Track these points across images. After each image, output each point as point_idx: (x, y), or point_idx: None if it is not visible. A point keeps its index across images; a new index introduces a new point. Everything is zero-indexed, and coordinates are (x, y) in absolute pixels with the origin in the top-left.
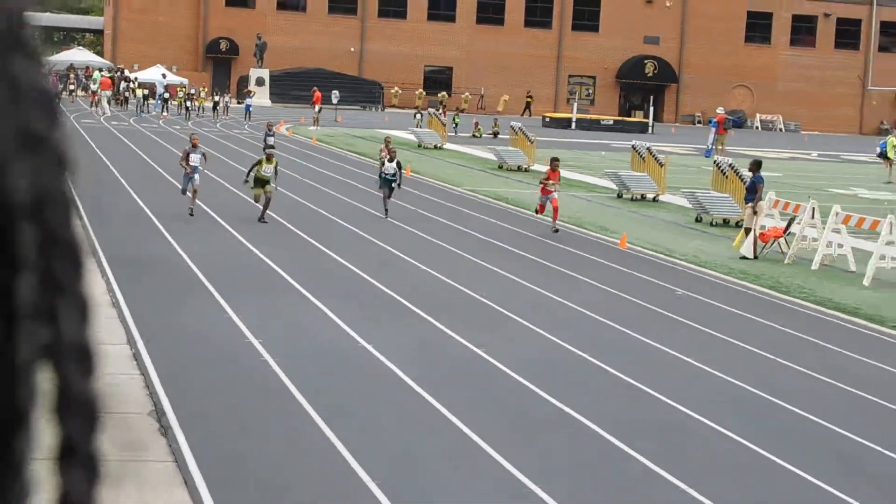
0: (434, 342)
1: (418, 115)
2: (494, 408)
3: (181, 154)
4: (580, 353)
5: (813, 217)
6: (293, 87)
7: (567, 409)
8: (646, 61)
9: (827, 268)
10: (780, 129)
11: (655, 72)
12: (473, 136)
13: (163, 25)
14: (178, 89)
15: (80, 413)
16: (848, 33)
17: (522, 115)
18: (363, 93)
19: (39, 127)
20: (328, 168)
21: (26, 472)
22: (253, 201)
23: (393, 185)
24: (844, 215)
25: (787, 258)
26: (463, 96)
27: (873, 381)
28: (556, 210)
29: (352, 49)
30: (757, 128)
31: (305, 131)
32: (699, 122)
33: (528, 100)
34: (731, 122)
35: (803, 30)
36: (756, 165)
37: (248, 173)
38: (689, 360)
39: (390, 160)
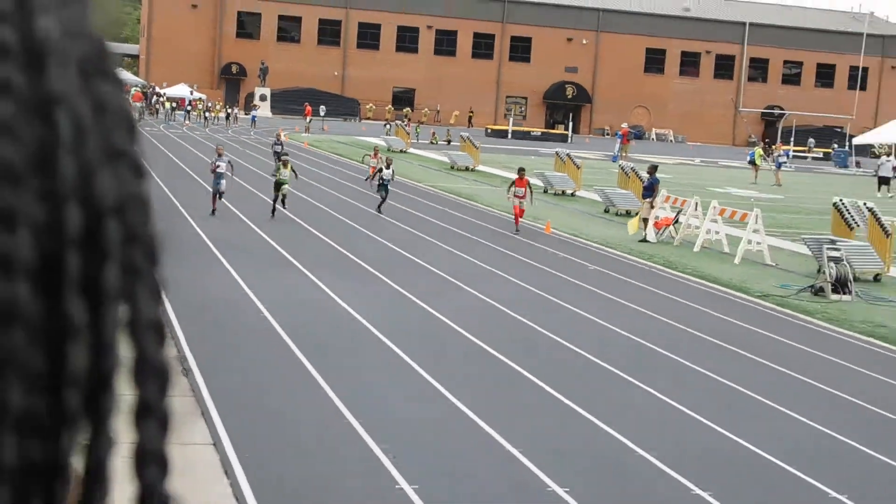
0: (393, 299)
1: (388, 126)
2: (438, 348)
3: (211, 163)
4: (508, 310)
5: (696, 210)
6: (289, 102)
7: (491, 350)
8: (566, 86)
9: (706, 249)
10: (671, 141)
11: (574, 94)
12: (431, 143)
13: (186, 52)
14: (198, 103)
15: (154, 377)
16: (724, 66)
17: (468, 126)
18: (344, 108)
19: (121, 142)
20: (317, 167)
21: (111, 428)
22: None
23: (388, 187)
24: (720, 208)
25: (676, 241)
26: (423, 111)
27: (736, 336)
28: (517, 216)
29: (335, 73)
30: (653, 139)
31: (299, 137)
32: (608, 134)
33: (470, 114)
34: (632, 134)
35: (689, 63)
36: (653, 169)
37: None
38: (590, 316)
39: (387, 167)
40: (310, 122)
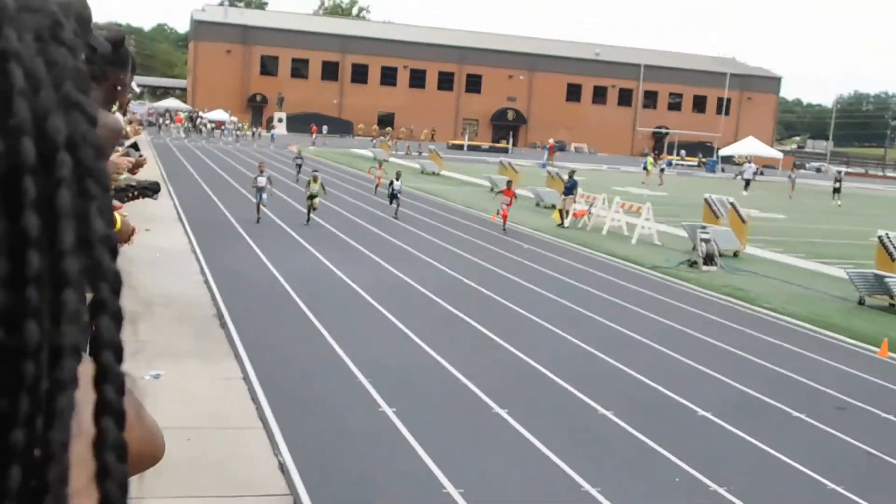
0: (376, 270)
1: (374, 141)
2: (408, 305)
3: (253, 178)
4: (461, 277)
5: (603, 204)
6: (300, 123)
7: (454, 310)
8: (508, 111)
9: (611, 233)
10: (586, 152)
11: (514, 117)
12: (406, 153)
13: (222, 86)
14: (231, 124)
15: (107, 280)
16: (625, 96)
17: (432, 140)
18: (341, 128)
19: (73, 94)
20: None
21: (80, 323)
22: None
23: (398, 196)
24: (622, 202)
25: (588, 227)
26: (401, 130)
27: (632, 296)
28: (504, 218)
29: (335, 101)
30: (572, 151)
31: (307, 150)
32: (538, 147)
33: (433, 132)
34: (557, 147)
35: (599, 94)
36: (571, 174)
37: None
38: (521, 281)
39: (396, 179)
40: (315, 138)
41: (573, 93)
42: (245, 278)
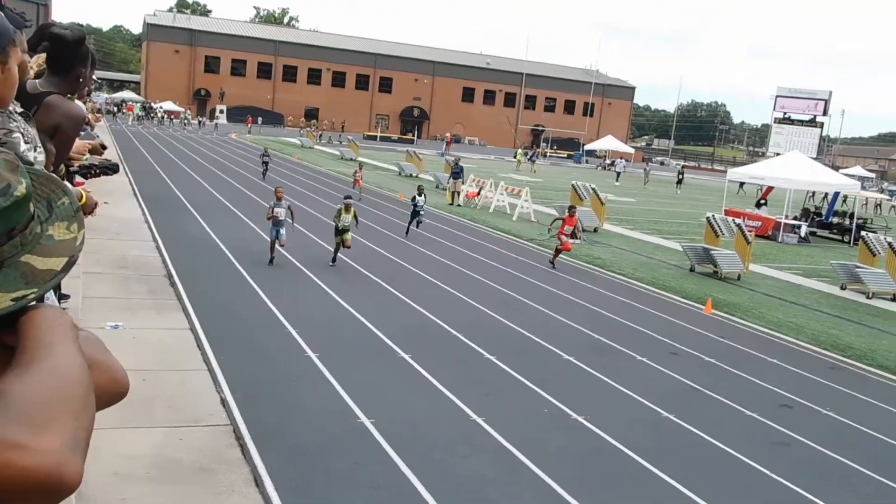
0: (305, 240)
1: (301, 131)
2: (328, 268)
3: (268, 208)
4: (376, 247)
5: (491, 187)
6: (238, 115)
7: (369, 274)
8: (414, 108)
9: (497, 211)
10: (478, 144)
11: (418, 114)
12: (328, 142)
13: (171, 81)
14: (179, 114)
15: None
16: (509, 99)
17: (341, 132)
18: (274, 119)
19: None
20: (254, 154)
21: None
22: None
23: (421, 214)
24: (505, 186)
25: (478, 206)
26: (324, 122)
27: (511, 262)
28: (566, 249)
29: (268, 97)
30: (467, 142)
31: (244, 137)
32: (439, 139)
33: (343, 123)
34: (454, 140)
35: (489, 97)
36: (457, 161)
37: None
38: (422, 249)
39: (420, 195)
40: (251, 128)
41: (467, 95)
42: (191, 244)
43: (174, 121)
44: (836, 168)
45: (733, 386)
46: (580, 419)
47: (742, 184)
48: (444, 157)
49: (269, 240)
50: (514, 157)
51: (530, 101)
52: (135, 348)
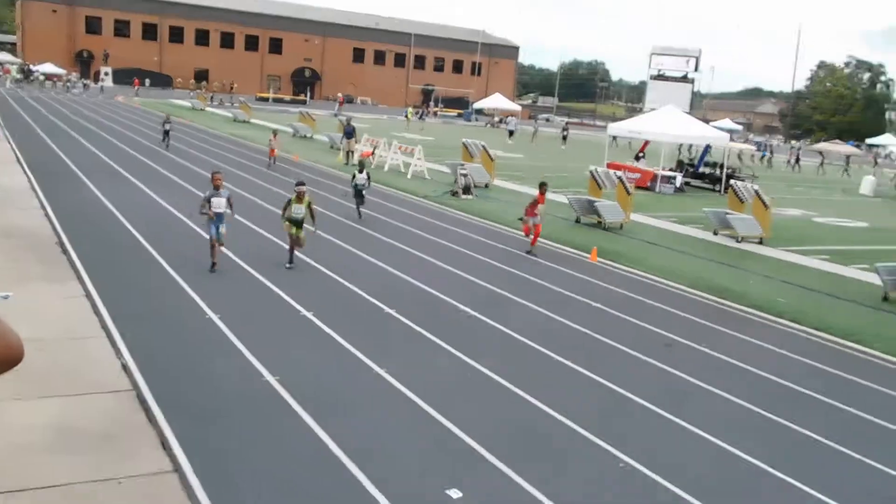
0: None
1: (192, 94)
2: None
3: (202, 199)
4: (273, 207)
5: (385, 146)
6: (125, 77)
7: (266, 234)
8: (305, 69)
9: (391, 169)
10: (370, 104)
11: (310, 75)
12: (220, 104)
13: (50, 42)
14: (62, 77)
15: None
16: (399, 60)
17: (230, 93)
18: (161, 81)
19: None
20: (143, 117)
21: None
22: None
23: (364, 192)
24: (399, 145)
25: (373, 165)
26: (214, 84)
27: (408, 217)
28: (536, 234)
29: (155, 58)
30: (360, 103)
31: (132, 101)
32: (331, 99)
33: (233, 84)
34: (346, 100)
35: (379, 57)
36: (349, 121)
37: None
38: (318, 208)
39: (360, 171)
40: (138, 90)
41: (358, 56)
42: (82, 211)
43: (57, 84)
44: (707, 121)
45: (619, 329)
46: (477, 365)
47: (615, 137)
48: (337, 117)
49: (207, 237)
50: (405, 116)
51: (420, 62)
52: (28, 318)
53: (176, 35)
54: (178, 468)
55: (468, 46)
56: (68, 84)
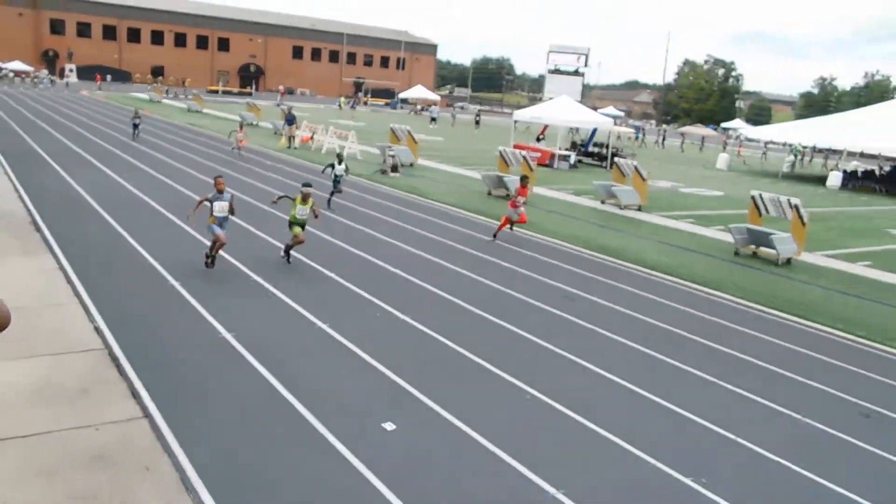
0: (154, 182)
1: (149, 87)
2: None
3: (198, 200)
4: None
5: (322, 131)
6: (88, 73)
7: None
8: (250, 65)
9: (329, 152)
10: (308, 94)
11: (255, 70)
12: (175, 96)
13: (17, 42)
14: (31, 74)
15: None
16: (334, 56)
17: (183, 87)
18: (122, 77)
19: None
20: (107, 109)
21: None
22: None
23: (340, 183)
24: (334, 130)
25: (312, 149)
26: (170, 78)
27: (345, 196)
28: (522, 220)
29: (115, 56)
30: (299, 94)
31: (95, 94)
32: (274, 91)
33: (185, 80)
34: (287, 91)
35: (316, 54)
36: (290, 110)
37: (281, 198)
38: (264, 185)
39: (339, 162)
40: (100, 85)
41: (297, 53)
42: (53, 194)
43: (25, 80)
44: (595, 109)
45: (527, 286)
46: (408, 319)
47: (516, 122)
48: (280, 107)
49: (210, 242)
50: (338, 105)
51: (351, 58)
52: (6, 288)
53: (134, 35)
54: (147, 414)
55: (393, 45)
56: (36, 80)
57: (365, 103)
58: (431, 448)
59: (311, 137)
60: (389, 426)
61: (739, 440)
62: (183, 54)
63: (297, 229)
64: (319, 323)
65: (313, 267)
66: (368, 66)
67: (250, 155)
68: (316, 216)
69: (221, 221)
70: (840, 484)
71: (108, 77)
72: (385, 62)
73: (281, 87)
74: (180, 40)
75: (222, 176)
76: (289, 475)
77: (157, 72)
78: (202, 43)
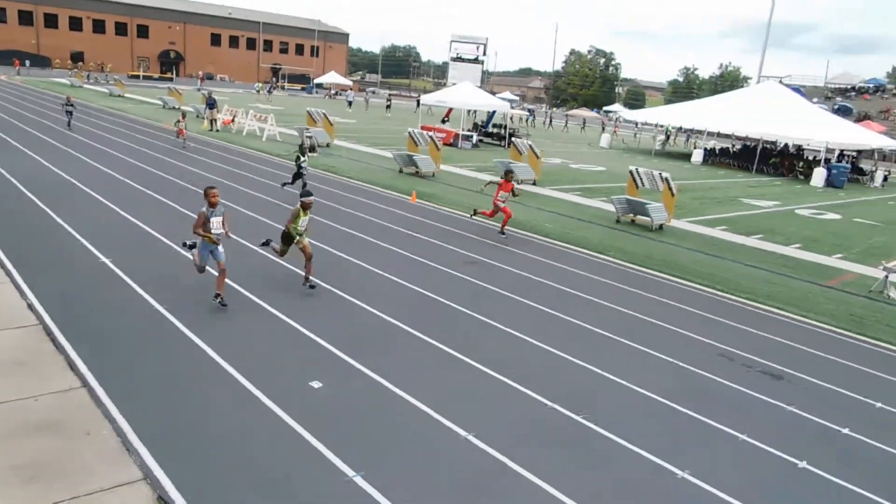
0: (90, 169)
1: (70, 73)
2: (115, 191)
3: (197, 218)
4: (145, 166)
5: (243, 114)
6: (5, 58)
7: (144, 189)
8: (170, 51)
9: (249, 134)
10: (228, 80)
11: (175, 56)
12: (95, 81)
13: None
14: None
15: None
16: (251, 42)
17: (101, 72)
18: (41, 62)
19: None
20: (27, 94)
21: None
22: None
23: (303, 173)
24: (254, 113)
25: (234, 131)
26: (90, 64)
27: (266, 174)
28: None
29: (33, 41)
30: (219, 79)
31: (14, 79)
32: (194, 77)
33: (102, 64)
34: (207, 77)
35: (234, 41)
36: (209, 94)
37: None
38: (186, 165)
39: (303, 154)
40: (19, 70)
41: (215, 40)
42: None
43: None
44: (493, 93)
45: (434, 252)
46: (324, 284)
47: (419, 104)
48: (200, 92)
49: (197, 264)
50: (256, 90)
51: (268, 45)
52: None
53: (51, 21)
54: (85, 384)
55: (307, 33)
56: None
57: (282, 88)
58: (353, 400)
59: (233, 120)
60: (316, 384)
61: (619, 380)
62: (102, 40)
63: (303, 240)
64: (254, 297)
65: (237, 240)
66: (284, 52)
67: (195, 144)
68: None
69: (217, 245)
70: (705, 414)
71: (27, 62)
72: (300, 49)
73: (200, 73)
74: (99, 27)
75: (216, 187)
76: (221, 430)
77: (77, 57)
78: (121, 30)
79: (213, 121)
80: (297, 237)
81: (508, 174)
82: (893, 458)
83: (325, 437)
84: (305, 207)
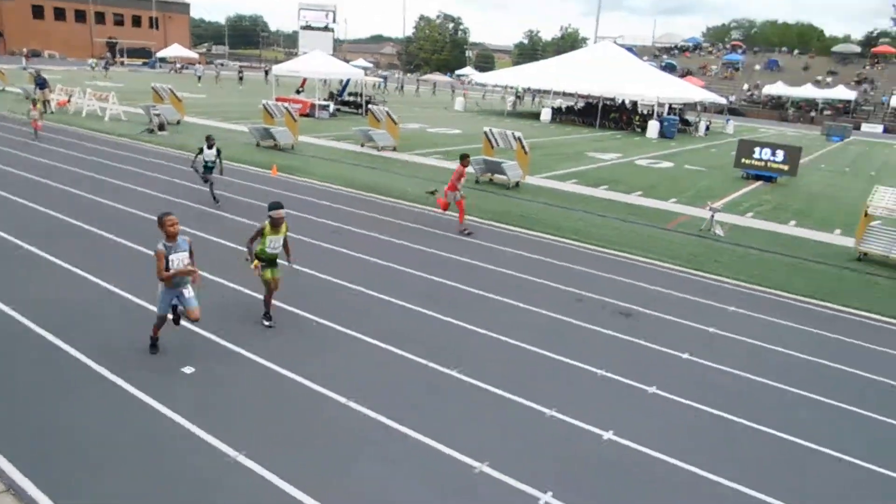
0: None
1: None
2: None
3: (156, 255)
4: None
5: (80, 94)
6: None
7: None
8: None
9: (89, 114)
10: (58, 57)
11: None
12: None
13: None
14: None
15: None
16: (80, 14)
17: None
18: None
19: None
20: None
21: None
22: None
23: (214, 170)
24: (93, 92)
25: (72, 112)
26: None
27: (113, 157)
28: (462, 211)
29: None
30: (47, 56)
31: None
32: (17, 54)
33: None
34: (32, 54)
35: (60, 13)
36: (38, 73)
37: (251, 245)
38: (29, 155)
39: (209, 147)
40: None
41: (38, 13)
42: None
43: None
44: (347, 61)
45: (300, 225)
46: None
47: (266, 74)
48: (27, 70)
49: (158, 314)
50: (91, 67)
51: (100, 17)
52: None
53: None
54: None
55: (144, 4)
56: None
57: (121, 63)
58: (227, 382)
59: (69, 101)
60: (188, 369)
61: (487, 333)
62: (47, 28)
63: (269, 273)
64: (103, 283)
65: (99, 234)
66: (120, 25)
67: (46, 133)
68: (288, 253)
69: (181, 282)
70: (568, 355)
71: None
72: (137, 21)
73: (24, 50)
74: (38, 13)
75: (172, 213)
76: (92, 428)
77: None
78: (78, 17)
79: (46, 102)
80: (270, 264)
81: (464, 158)
82: (726, 375)
83: (197, 419)
84: (275, 223)
